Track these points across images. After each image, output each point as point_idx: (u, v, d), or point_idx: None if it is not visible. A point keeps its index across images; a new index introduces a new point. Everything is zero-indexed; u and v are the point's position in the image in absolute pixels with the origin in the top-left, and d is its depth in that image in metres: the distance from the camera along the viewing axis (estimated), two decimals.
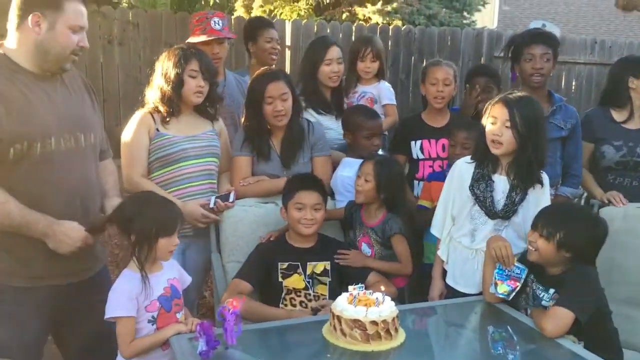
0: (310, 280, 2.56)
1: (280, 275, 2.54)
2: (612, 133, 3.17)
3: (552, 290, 2.24)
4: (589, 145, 3.22)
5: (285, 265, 2.55)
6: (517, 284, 2.24)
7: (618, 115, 3.21)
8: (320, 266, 2.58)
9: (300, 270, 2.56)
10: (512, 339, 2.23)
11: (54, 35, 2.09)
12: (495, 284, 2.28)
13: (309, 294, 2.55)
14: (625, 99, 3.19)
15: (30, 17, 2.07)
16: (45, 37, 2.09)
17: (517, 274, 2.25)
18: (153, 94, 2.77)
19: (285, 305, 2.53)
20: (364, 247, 2.77)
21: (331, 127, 3.32)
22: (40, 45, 2.10)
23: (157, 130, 2.74)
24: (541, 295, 2.27)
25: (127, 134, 2.77)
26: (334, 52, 3.36)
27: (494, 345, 2.25)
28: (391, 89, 3.64)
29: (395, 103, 3.64)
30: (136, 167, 2.73)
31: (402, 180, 2.92)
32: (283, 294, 2.54)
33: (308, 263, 2.57)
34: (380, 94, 3.54)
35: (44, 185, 2.13)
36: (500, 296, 2.28)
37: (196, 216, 2.72)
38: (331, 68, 3.34)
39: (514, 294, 2.26)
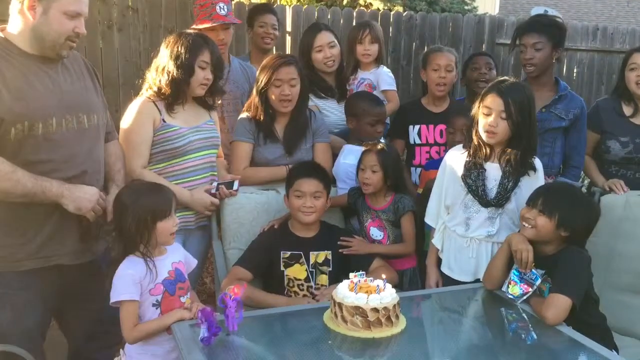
0: (314, 270, 2.55)
1: (282, 264, 2.54)
2: (620, 128, 3.08)
3: (541, 271, 2.25)
4: (595, 135, 3.16)
5: (288, 254, 2.55)
6: (530, 289, 2.23)
7: (627, 109, 3.12)
8: (321, 255, 2.58)
9: (302, 260, 2.55)
10: (513, 326, 2.24)
11: (48, 20, 2.08)
12: (509, 284, 2.28)
13: (311, 287, 2.53)
14: (630, 92, 3.08)
15: (26, 1, 2.06)
16: (39, 21, 2.08)
17: (531, 279, 2.24)
18: (159, 78, 2.62)
19: (290, 296, 2.53)
20: (374, 231, 2.76)
21: (333, 110, 3.30)
22: (36, 29, 2.09)
23: (163, 120, 2.61)
24: (533, 277, 2.27)
25: (127, 123, 2.62)
26: (324, 37, 3.29)
27: (495, 332, 2.26)
28: (390, 74, 3.56)
29: (395, 89, 3.56)
30: (138, 159, 2.59)
31: (402, 163, 2.95)
32: (285, 283, 2.54)
33: (311, 253, 2.56)
34: (379, 79, 3.47)
35: (48, 165, 2.14)
36: (509, 296, 2.27)
37: (206, 204, 2.68)
38: (323, 54, 3.29)
39: (523, 298, 2.24)
